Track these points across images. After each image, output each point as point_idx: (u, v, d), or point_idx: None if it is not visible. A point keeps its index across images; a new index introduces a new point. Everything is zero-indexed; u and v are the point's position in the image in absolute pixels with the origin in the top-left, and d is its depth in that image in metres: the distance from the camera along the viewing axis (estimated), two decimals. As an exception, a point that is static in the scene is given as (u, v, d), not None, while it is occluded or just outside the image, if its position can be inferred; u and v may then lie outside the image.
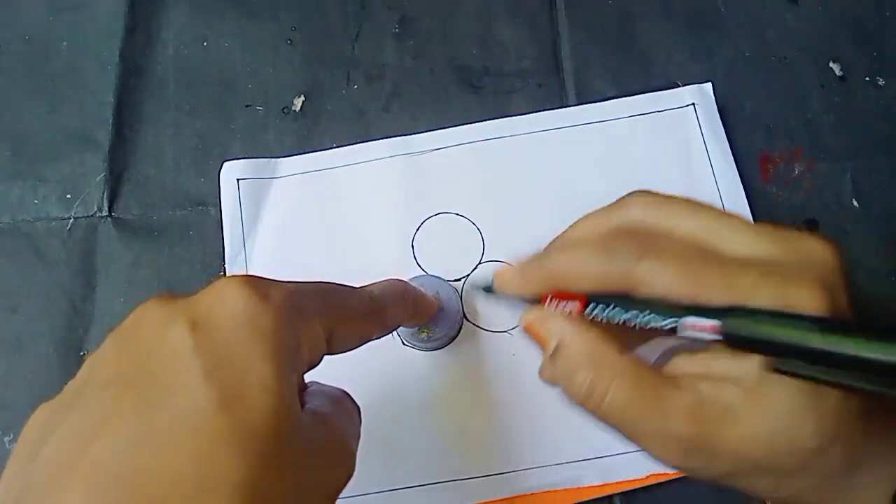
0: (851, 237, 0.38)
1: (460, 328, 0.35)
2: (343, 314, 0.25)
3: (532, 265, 0.27)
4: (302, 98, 0.41)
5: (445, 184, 0.38)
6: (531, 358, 0.35)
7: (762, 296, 0.23)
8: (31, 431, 0.21)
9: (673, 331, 0.24)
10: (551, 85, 0.41)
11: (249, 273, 0.35)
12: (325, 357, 0.24)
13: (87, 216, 0.39)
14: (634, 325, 0.24)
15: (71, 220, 0.39)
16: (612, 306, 0.25)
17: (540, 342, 0.26)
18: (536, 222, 0.37)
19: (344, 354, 0.25)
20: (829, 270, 0.24)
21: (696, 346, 0.24)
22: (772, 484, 0.24)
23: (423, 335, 0.34)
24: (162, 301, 0.22)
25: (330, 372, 0.25)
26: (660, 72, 0.41)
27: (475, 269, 0.37)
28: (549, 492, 0.33)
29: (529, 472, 0.33)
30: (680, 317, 0.23)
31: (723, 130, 0.39)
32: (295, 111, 0.41)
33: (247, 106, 0.41)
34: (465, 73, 0.41)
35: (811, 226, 0.38)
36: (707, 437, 0.24)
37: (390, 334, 0.32)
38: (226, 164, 0.39)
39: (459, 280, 0.37)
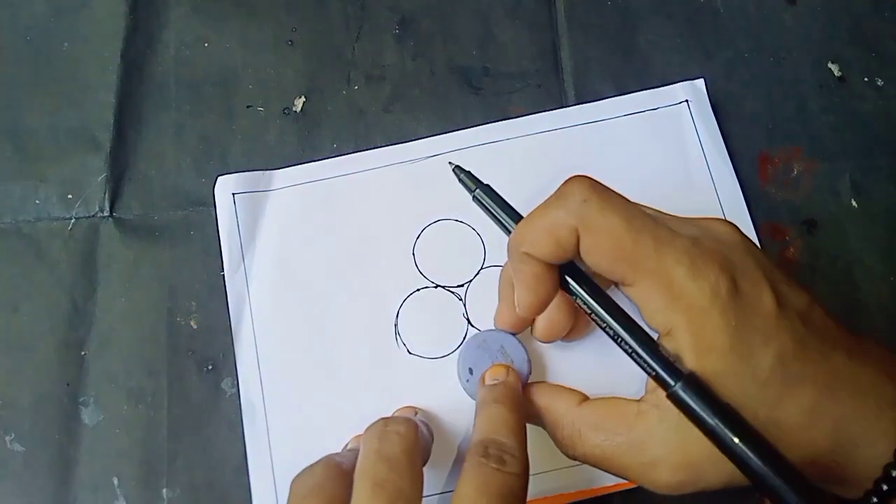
0: (851, 237, 0.38)
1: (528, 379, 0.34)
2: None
3: (511, 257, 0.30)
4: (302, 99, 0.41)
5: (444, 190, 0.38)
6: (549, 359, 0.35)
7: (679, 245, 0.26)
8: None
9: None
10: (551, 85, 0.41)
11: (249, 286, 0.37)
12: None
13: (89, 216, 0.39)
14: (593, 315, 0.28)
15: (72, 221, 0.39)
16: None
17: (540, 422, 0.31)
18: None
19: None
20: (732, 246, 0.27)
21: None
22: None
23: None
24: None
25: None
26: (659, 72, 0.41)
27: (476, 275, 0.37)
28: (562, 494, 0.33)
29: (544, 475, 0.33)
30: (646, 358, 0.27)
31: (717, 126, 0.39)
32: (295, 112, 0.41)
33: (248, 106, 0.41)
34: (465, 74, 0.42)
35: (810, 226, 0.38)
36: (682, 454, 0.26)
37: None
38: (220, 179, 0.38)
39: (462, 286, 0.37)
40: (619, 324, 0.28)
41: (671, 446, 0.26)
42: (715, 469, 0.25)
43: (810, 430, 0.25)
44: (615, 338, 0.28)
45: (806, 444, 0.25)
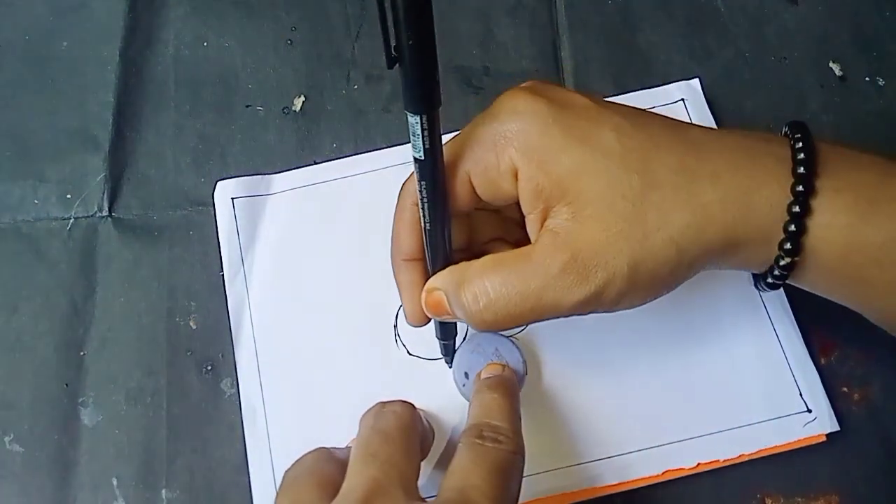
0: (851, 237, 0.38)
1: (524, 380, 0.34)
2: (517, 498, 0.27)
3: (395, 276, 0.31)
4: (302, 98, 0.41)
5: None
6: (544, 360, 0.35)
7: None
8: None
9: (423, 166, 0.25)
10: (551, 85, 0.41)
11: (249, 290, 0.37)
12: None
13: (88, 216, 0.39)
14: (429, 211, 0.26)
15: (71, 221, 0.39)
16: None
17: (442, 311, 0.29)
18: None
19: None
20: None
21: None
22: (671, 249, 0.25)
23: None
24: None
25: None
26: (659, 71, 0.41)
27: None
28: (563, 494, 0.33)
29: (547, 474, 0.33)
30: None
31: (714, 125, 0.39)
32: (295, 111, 0.41)
33: (247, 106, 0.41)
34: (465, 73, 0.41)
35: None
36: (579, 250, 0.25)
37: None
38: (219, 184, 0.38)
39: None
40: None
41: (567, 250, 0.25)
42: (616, 252, 0.25)
43: (690, 189, 0.25)
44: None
45: (692, 201, 0.25)
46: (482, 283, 0.27)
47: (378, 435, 0.27)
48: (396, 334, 0.36)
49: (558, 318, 0.27)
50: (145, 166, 0.40)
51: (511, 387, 0.31)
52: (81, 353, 0.36)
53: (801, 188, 0.25)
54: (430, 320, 0.31)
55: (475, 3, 0.43)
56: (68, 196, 0.39)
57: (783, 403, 0.34)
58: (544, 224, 0.26)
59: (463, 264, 0.28)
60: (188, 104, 0.41)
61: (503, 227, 0.32)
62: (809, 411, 0.33)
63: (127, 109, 0.41)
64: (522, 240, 0.31)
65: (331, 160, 0.39)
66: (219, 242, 0.38)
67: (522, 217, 0.28)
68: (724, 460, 0.33)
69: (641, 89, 0.40)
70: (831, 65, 0.41)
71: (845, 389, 0.34)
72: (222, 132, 0.41)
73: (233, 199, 0.38)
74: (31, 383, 0.36)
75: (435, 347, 0.35)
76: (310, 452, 0.29)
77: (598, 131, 0.26)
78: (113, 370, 0.36)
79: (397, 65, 0.22)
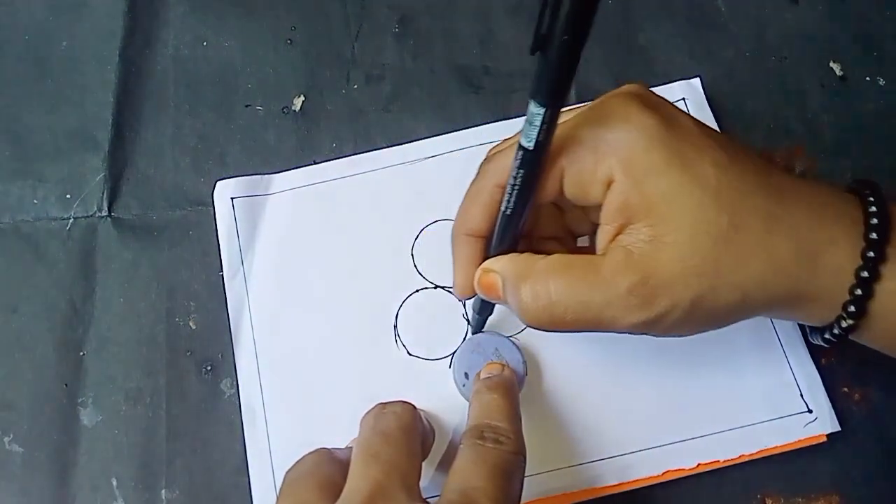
0: (852, 237, 0.38)
1: (524, 380, 0.34)
2: (519, 498, 0.27)
3: (453, 247, 0.31)
4: (302, 98, 0.41)
5: (442, 191, 0.38)
6: (544, 360, 0.35)
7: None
8: None
9: (528, 157, 0.24)
10: (551, 85, 0.41)
11: (249, 290, 0.37)
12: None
13: (87, 216, 0.39)
14: (515, 198, 0.26)
15: (70, 220, 0.39)
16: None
17: (493, 292, 0.29)
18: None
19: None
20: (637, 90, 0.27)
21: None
22: (737, 293, 0.25)
23: None
24: None
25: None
26: (660, 71, 0.41)
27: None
28: (564, 494, 0.33)
29: (547, 475, 0.33)
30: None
31: (715, 124, 0.39)
32: (295, 111, 0.41)
33: (246, 106, 0.41)
34: (465, 73, 0.41)
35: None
36: (650, 275, 0.25)
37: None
38: (219, 184, 0.38)
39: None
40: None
41: (638, 272, 0.25)
42: (685, 285, 0.25)
43: (770, 237, 0.25)
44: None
45: (769, 251, 0.25)
46: (546, 284, 0.26)
47: (379, 436, 0.27)
48: (396, 334, 0.36)
49: (606, 332, 0.27)
50: (145, 166, 0.40)
51: (510, 387, 0.31)
52: (81, 354, 0.36)
53: (871, 254, 0.25)
54: (475, 295, 0.31)
55: (475, 3, 0.43)
56: (68, 196, 0.39)
57: (784, 404, 0.33)
58: (617, 238, 0.26)
59: (528, 257, 0.28)
60: (188, 104, 0.41)
61: (562, 223, 0.31)
62: (810, 411, 0.33)
63: (126, 109, 0.41)
64: (567, 238, 0.31)
65: (330, 160, 0.39)
66: (218, 242, 0.38)
67: (585, 219, 0.29)
68: (725, 461, 0.33)
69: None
70: (831, 65, 0.41)
71: (846, 389, 0.34)
72: (222, 132, 0.40)
73: (232, 198, 0.38)
74: (31, 383, 0.36)
75: (435, 347, 0.35)
76: (310, 453, 0.29)
77: (700, 161, 0.25)
78: (112, 370, 0.36)
79: (538, 52, 0.22)
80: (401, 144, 0.39)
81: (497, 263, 0.28)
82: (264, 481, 0.34)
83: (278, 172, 0.39)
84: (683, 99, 0.39)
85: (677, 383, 0.34)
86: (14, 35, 0.43)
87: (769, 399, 0.34)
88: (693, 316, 0.25)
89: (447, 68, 0.42)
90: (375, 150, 0.39)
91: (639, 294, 0.25)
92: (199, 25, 0.43)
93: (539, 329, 0.27)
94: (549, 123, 0.23)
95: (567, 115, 0.27)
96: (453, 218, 0.37)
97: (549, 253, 0.28)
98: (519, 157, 0.25)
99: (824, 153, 0.39)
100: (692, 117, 0.27)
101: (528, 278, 0.27)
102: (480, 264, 0.29)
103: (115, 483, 0.34)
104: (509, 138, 0.30)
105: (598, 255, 0.27)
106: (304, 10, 0.43)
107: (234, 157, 0.40)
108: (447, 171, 0.38)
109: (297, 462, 0.28)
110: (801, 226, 0.25)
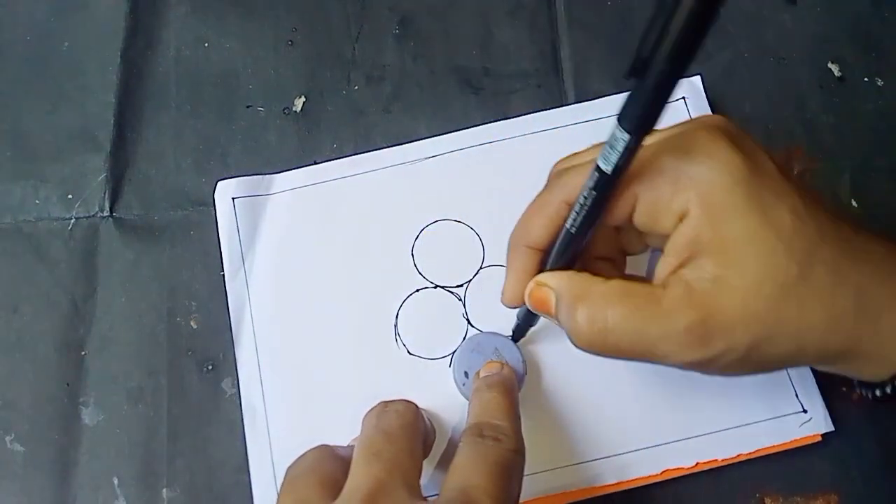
0: (850, 237, 0.38)
1: (524, 380, 0.34)
2: (518, 498, 0.27)
3: (509, 255, 0.30)
4: (302, 99, 0.41)
5: (442, 191, 0.38)
6: (544, 360, 0.35)
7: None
8: None
9: (603, 181, 0.24)
10: (551, 85, 0.41)
11: (250, 289, 0.37)
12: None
13: (89, 216, 0.39)
14: (582, 219, 0.26)
15: (72, 221, 0.39)
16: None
17: (545, 307, 0.28)
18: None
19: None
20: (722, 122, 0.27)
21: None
22: (791, 342, 0.25)
23: None
24: None
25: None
26: (659, 72, 0.41)
27: (475, 275, 0.37)
28: (563, 493, 0.33)
29: (547, 473, 0.33)
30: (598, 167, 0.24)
31: None
32: (295, 112, 0.41)
33: (247, 106, 0.41)
34: (465, 74, 0.42)
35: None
36: (710, 316, 0.24)
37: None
38: (220, 184, 0.38)
39: (462, 286, 0.37)
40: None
41: (699, 311, 0.25)
42: (744, 330, 0.25)
43: (835, 291, 0.25)
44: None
45: (831, 305, 0.25)
46: (603, 309, 0.26)
47: (381, 434, 0.27)
48: (396, 334, 0.36)
49: (654, 363, 0.27)
50: (146, 166, 0.40)
51: (510, 385, 0.31)
52: (82, 353, 0.36)
53: None
54: (522, 305, 0.30)
55: (475, 3, 0.43)
56: (69, 196, 0.39)
57: (779, 404, 0.34)
58: (680, 271, 0.25)
59: (587, 278, 0.27)
60: (189, 104, 0.41)
61: (616, 242, 0.31)
62: (805, 412, 0.33)
63: (128, 110, 0.41)
64: (619, 258, 0.31)
65: (331, 160, 0.39)
66: (219, 242, 0.38)
67: (640, 241, 0.29)
68: (723, 460, 0.33)
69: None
70: (830, 65, 0.41)
71: (844, 389, 0.34)
72: (223, 132, 0.41)
73: (233, 198, 0.38)
74: (32, 383, 0.36)
75: (435, 347, 0.36)
76: (311, 450, 0.29)
77: (778, 208, 0.25)
78: (114, 370, 0.36)
79: (634, 78, 0.21)
80: (401, 144, 0.39)
81: (553, 279, 0.28)
82: (265, 480, 0.34)
83: (279, 172, 0.39)
84: (683, 98, 0.39)
85: (675, 383, 0.34)
86: (16, 36, 0.43)
87: (765, 399, 0.34)
88: (746, 361, 0.25)
89: (447, 69, 0.42)
90: (376, 150, 0.39)
91: (696, 333, 0.25)
92: (201, 26, 0.43)
93: (587, 352, 0.27)
94: (631, 150, 0.23)
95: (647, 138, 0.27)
96: (453, 218, 0.38)
97: (599, 272, 0.27)
98: (594, 178, 0.24)
99: (823, 154, 0.39)
100: (773, 158, 0.26)
101: (584, 301, 0.26)
102: (534, 276, 0.29)
103: (116, 482, 0.34)
104: (580, 153, 0.30)
105: (658, 285, 0.26)
106: (304, 11, 0.43)
107: (235, 157, 0.40)
108: (447, 171, 0.39)
109: (299, 458, 0.28)
110: (866, 282, 0.25)
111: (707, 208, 0.25)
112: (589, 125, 0.39)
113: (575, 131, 0.39)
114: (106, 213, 0.39)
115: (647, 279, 0.28)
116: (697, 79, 0.40)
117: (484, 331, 0.36)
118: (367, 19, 0.43)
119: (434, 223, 0.38)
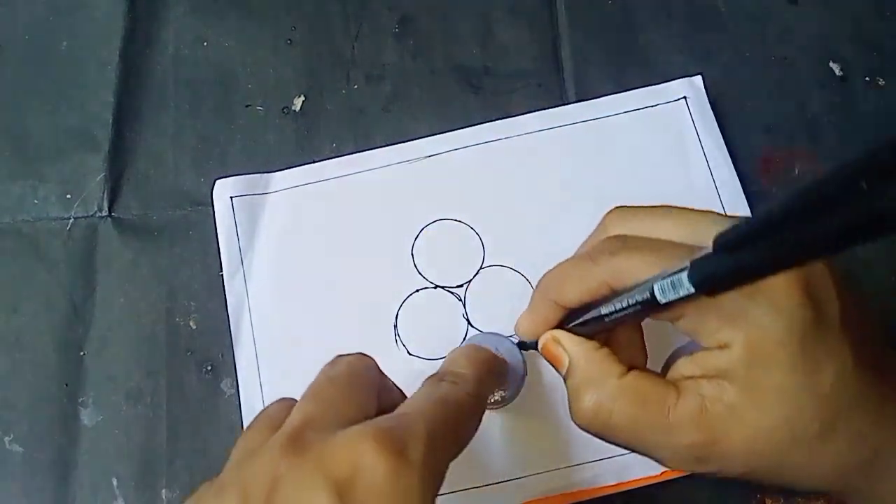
0: (851, 237, 0.38)
1: (524, 380, 0.34)
2: (464, 434, 0.25)
3: (535, 297, 0.29)
4: (302, 98, 0.41)
5: (442, 190, 0.38)
6: (544, 360, 0.35)
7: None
8: None
9: (652, 304, 0.23)
10: (551, 85, 0.41)
11: (249, 289, 0.36)
12: None
13: (87, 216, 0.39)
14: (619, 315, 0.25)
15: (71, 220, 0.39)
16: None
17: (555, 364, 0.28)
18: (534, 223, 0.37)
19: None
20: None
21: (681, 317, 0.24)
22: (789, 477, 0.25)
23: (497, 396, 0.32)
24: (289, 451, 0.22)
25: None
26: (660, 71, 0.41)
27: (475, 275, 0.37)
28: (563, 494, 0.33)
29: (545, 475, 0.33)
30: (651, 291, 0.23)
31: (715, 122, 0.39)
32: (295, 111, 0.41)
33: (247, 106, 0.41)
34: (465, 73, 0.41)
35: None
36: (714, 442, 0.24)
37: None
38: (218, 182, 0.38)
39: (462, 286, 0.37)
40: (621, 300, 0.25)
41: (705, 434, 0.24)
42: (743, 462, 0.24)
43: (851, 450, 0.24)
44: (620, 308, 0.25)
45: (842, 464, 0.24)
46: (610, 403, 0.26)
47: (327, 380, 0.26)
48: (396, 334, 0.36)
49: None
50: (145, 166, 0.40)
51: (482, 349, 0.30)
52: (81, 353, 0.36)
53: None
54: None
55: (475, 3, 0.43)
56: (68, 196, 0.39)
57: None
58: (699, 380, 0.25)
59: (604, 361, 0.26)
60: (188, 104, 0.41)
61: (638, 332, 0.30)
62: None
63: (127, 109, 0.41)
64: (637, 326, 0.29)
65: (330, 159, 0.39)
66: (218, 242, 0.38)
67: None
68: (724, 460, 0.33)
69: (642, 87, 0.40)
70: (831, 65, 0.41)
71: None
72: (222, 132, 0.40)
73: (231, 197, 0.38)
74: (31, 383, 0.36)
75: (435, 348, 0.35)
76: (272, 402, 0.28)
77: (825, 367, 0.24)
78: (113, 370, 0.36)
79: (724, 245, 0.20)
80: (401, 143, 0.39)
81: (572, 345, 0.27)
82: (264, 481, 0.34)
83: (277, 171, 0.39)
84: (684, 97, 0.39)
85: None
86: (14, 35, 0.43)
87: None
88: (735, 480, 0.25)
89: (447, 68, 0.42)
90: (375, 148, 0.39)
91: (697, 451, 0.24)
92: (200, 26, 0.43)
93: (580, 427, 0.27)
94: (691, 297, 0.22)
95: None
96: (453, 218, 0.38)
97: (618, 345, 0.27)
98: (644, 296, 0.24)
99: (824, 153, 0.39)
100: (848, 300, 0.24)
101: (596, 388, 0.26)
102: (554, 327, 0.28)
103: (115, 483, 0.34)
104: (641, 213, 0.28)
105: (672, 383, 0.25)
106: (304, 11, 0.43)
107: (234, 157, 0.40)
108: (448, 169, 0.39)
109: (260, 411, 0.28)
110: (884, 445, 0.24)
111: (751, 352, 0.24)
112: (589, 124, 0.39)
113: (576, 130, 0.39)
114: (105, 213, 0.39)
115: (661, 374, 0.27)
116: (699, 78, 0.40)
117: (484, 331, 0.35)
118: (367, 18, 0.43)
119: (434, 223, 0.38)
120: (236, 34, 0.43)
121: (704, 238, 0.24)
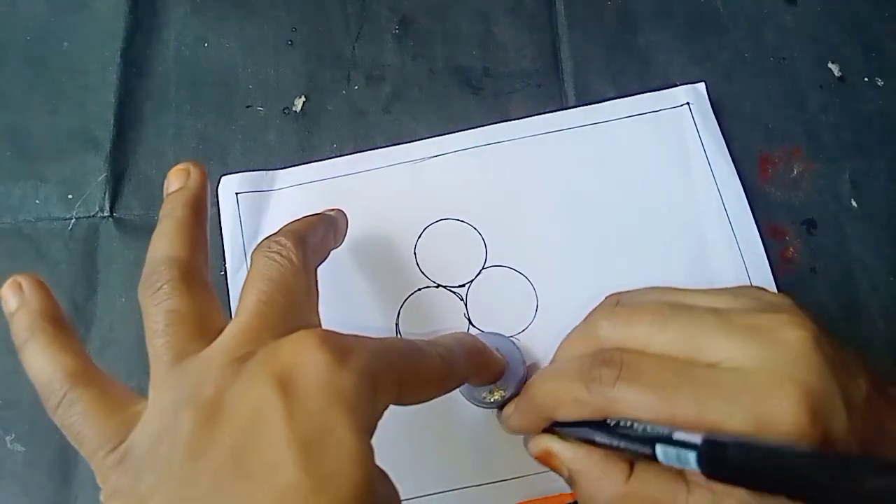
0: (850, 237, 0.38)
1: (524, 380, 0.34)
2: (417, 379, 0.25)
3: (523, 401, 0.29)
4: (302, 99, 0.41)
5: (446, 190, 0.38)
6: (544, 360, 0.35)
7: (737, 421, 0.23)
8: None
9: (652, 457, 0.24)
10: (551, 85, 0.41)
11: None
12: None
13: (89, 216, 0.39)
14: (626, 451, 0.25)
15: (72, 221, 0.39)
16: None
17: (550, 467, 0.29)
18: (536, 224, 0.37)
19: None
20: (806, 366, 0.24)
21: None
22: None
23: (496, 396, 0.32)
24: (233, 351, 0.23)
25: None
26: (659, 72, 0.41)
27: (477, 275, 0.37)
28: (563, 494, 0.33)
29: (544, 475, 0.33)
30: (652, 446, 0.23)
31: (718, 129, 0.39)
32: (295, 112, 0.41)
33: (247, 106, 0.41)
34: (465, 74, 0.42)
35: (810, 226, 0.38)
36: None
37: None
38: (223, 179, 0.38)
39: (464, 286, 0.37)
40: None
41: None
42: None
43: None
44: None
45: None
46: None
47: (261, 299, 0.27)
48: (398, 333, 0.36)
49: None
50: (146, 166, 0.40)
51: (476, 344, 0.30)
52: (82, 353, 0.36)
53: None
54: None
55: (475, 3, 0.43)
56: (69, 196, 0.39)
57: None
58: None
59: (606, 472, 0.27)
60: (189, 104, 0.41)
61: None
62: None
63: (128, 109, 0.41)
64: None
65: (331, 158, 0.39)
66: (222, 238, 0.38)
67: None
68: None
69: (643, 90, 0.40)
70: (830, 65, 0.41)
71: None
72: (223, 132, 0.41)
73: (237, 193, 0.38)
74: (32, 383, 0.36)
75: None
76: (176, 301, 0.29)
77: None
78: (114, 370, 0.36)
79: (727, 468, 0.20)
80: (402, 143, 0.39)
81: (567, 454, 0.28)
82: (265, 480, 0.34)
83: (282, 168, 0.39)
84: (688, 104, 0.39)
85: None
86: (15, 35, 0.43)
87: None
88: None
89: (447, 69, 0.42)
90: (378, 148, 0.39)
91: None
92: (201, 26, 0.43)
93: None
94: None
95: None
96: (456, 217, 0.38)
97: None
98: (645, 452, 0.24)
99: (823, 154, 0.39)
100: (845, 381, 0.24)
101: (605, 497, 0.26)
102: (542, 431, 0.29)
103: (116, 482, 0.34)
104: (634, 298, 0.29)
105: (679, 481, 0.25)
106: (304, 11, 0.43)
107: (234, 157, 0.40)
108: (452, 170, 0.39)
109: None
110: None
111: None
112: (593, 128, 0.39)
113: (578, 134, 0.39)
114: (106, 213, 0.39)
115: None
116: (702, 85, 0.40)
117: (485, 331, 0.36)
118: (367, 19, 0.43)
119: (437, 222, 0.38)
120: (237, 35, 0.43)
121: (706, 353, 0.24)
